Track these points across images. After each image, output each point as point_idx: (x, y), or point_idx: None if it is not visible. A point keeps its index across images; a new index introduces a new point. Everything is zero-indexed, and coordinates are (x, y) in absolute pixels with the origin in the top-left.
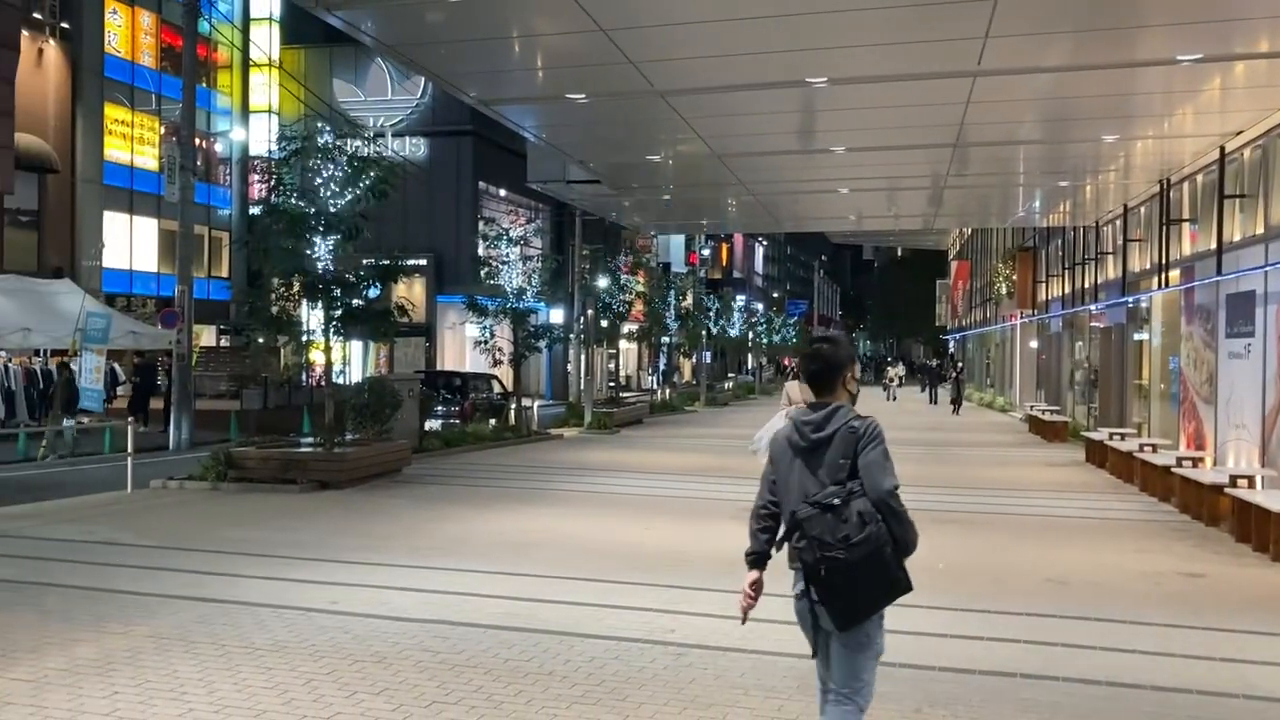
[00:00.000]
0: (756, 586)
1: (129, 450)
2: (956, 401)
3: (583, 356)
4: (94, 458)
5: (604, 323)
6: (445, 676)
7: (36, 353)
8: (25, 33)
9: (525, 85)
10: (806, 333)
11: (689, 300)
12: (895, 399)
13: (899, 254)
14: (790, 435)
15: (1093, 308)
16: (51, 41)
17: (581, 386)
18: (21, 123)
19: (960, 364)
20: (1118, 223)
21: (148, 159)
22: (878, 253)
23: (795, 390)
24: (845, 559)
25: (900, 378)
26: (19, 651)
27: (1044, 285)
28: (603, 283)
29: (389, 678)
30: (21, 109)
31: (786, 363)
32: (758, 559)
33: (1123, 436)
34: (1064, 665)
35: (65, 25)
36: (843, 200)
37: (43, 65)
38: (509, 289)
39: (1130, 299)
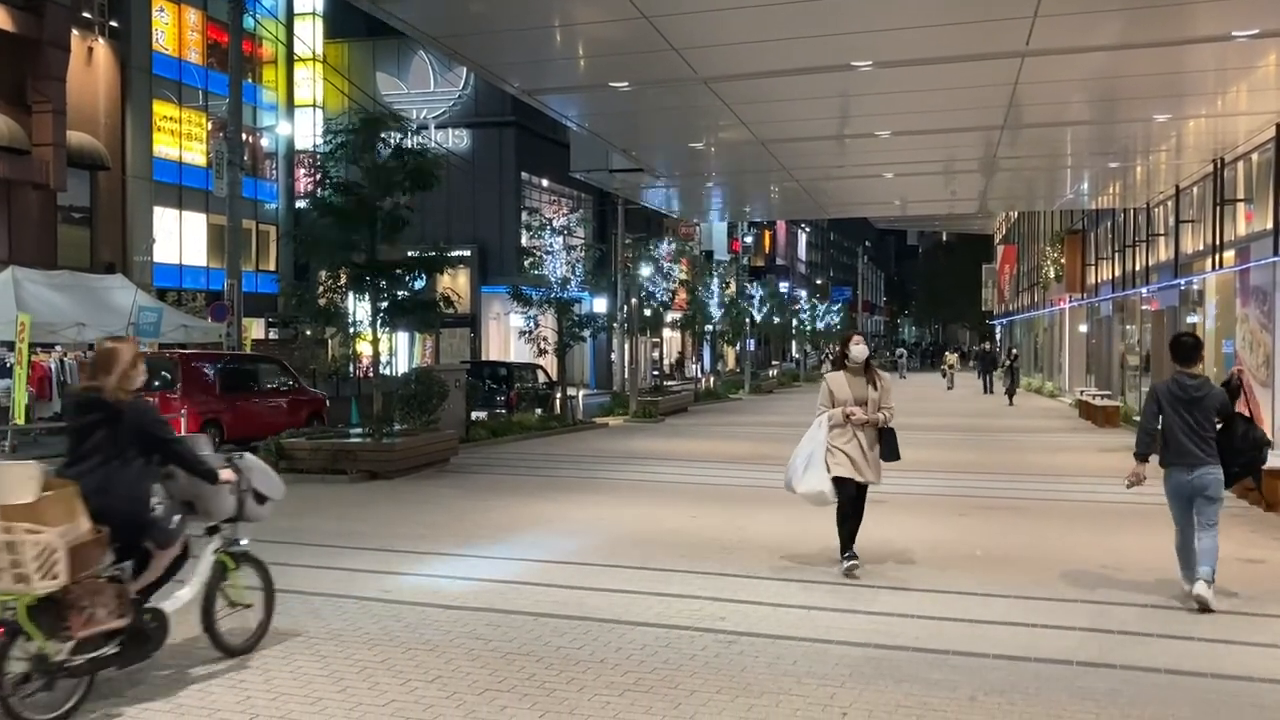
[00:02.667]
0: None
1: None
2: (1011, 391)
3: (626, 345)
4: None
5: (647, 312)
6: (498, 664)
7: (91, 347)
8: (75, 32)
9: (568, 74)
10: (851, 319)
11: (732, 288)
12: (953, 386)
13: (944, 239)
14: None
15: (1144, 291)
16: (101, 40)
17: (626, 375)
18: (73, 121)
19: (1016, 351)
20: (1169, 204)
21: (196, 155)
22: (922, 238)
23: (841, 384)
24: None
25: (957, 364)
26: None
27: (1093, 269)
28: (645, 271)
29: (442, 665)
30: (73, 107)
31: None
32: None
33: None
34: (1121, 653)
35: (114, 24)
36: (887, 185)
37: (93, 64)
38: (553, 279)
39: (1183, 281)
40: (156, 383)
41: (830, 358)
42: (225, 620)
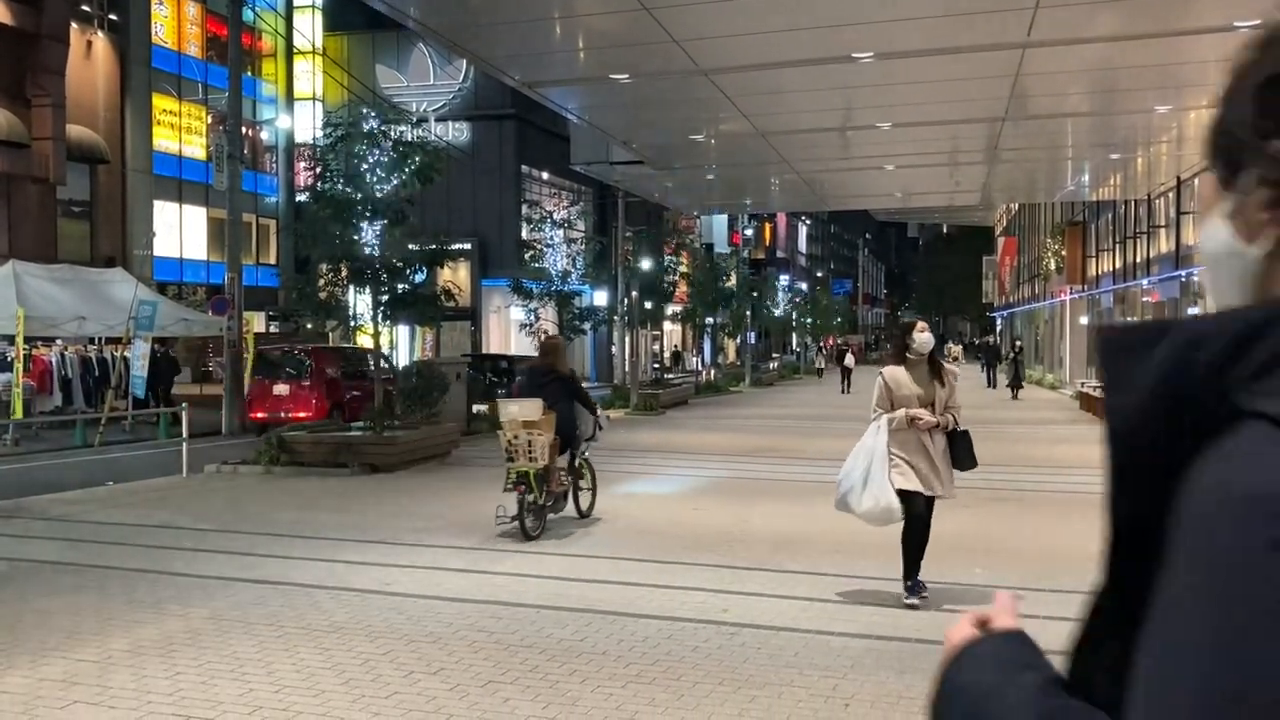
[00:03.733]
0: None
1: (184, 435)
2: (1015, 385)
3: (627, 338)
4: (149, 443)
5: (648, 304)
6: (500, 656)
7: (91, 340)
8: (74, 26)
9: (568, 67)
10: (851, 312)
11: (732, 281)
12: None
13: (944, 231)
14: None
15: (1145, 282)
16: (100, 34)
17: (626, 368)
18: (72, 114)
19: (1019, 343)
20: (1171, 195)
21: (195, 148)
22: (923, 230)
23: (903, 381)
24: None
25: (961, 356)
26: (84, 633)
27: (1094, 260)
28: (646, 264)
29: (444, 658)
30: (72, 101)
31: (835, 342)
32: None
33: None
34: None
35: (113, 17)
36: (888, 177)
37: (92, 57)
38: (553, 272)
39: (1184, 273)
40: (291, 373)
41: (828, 351)
42: (581, 496)
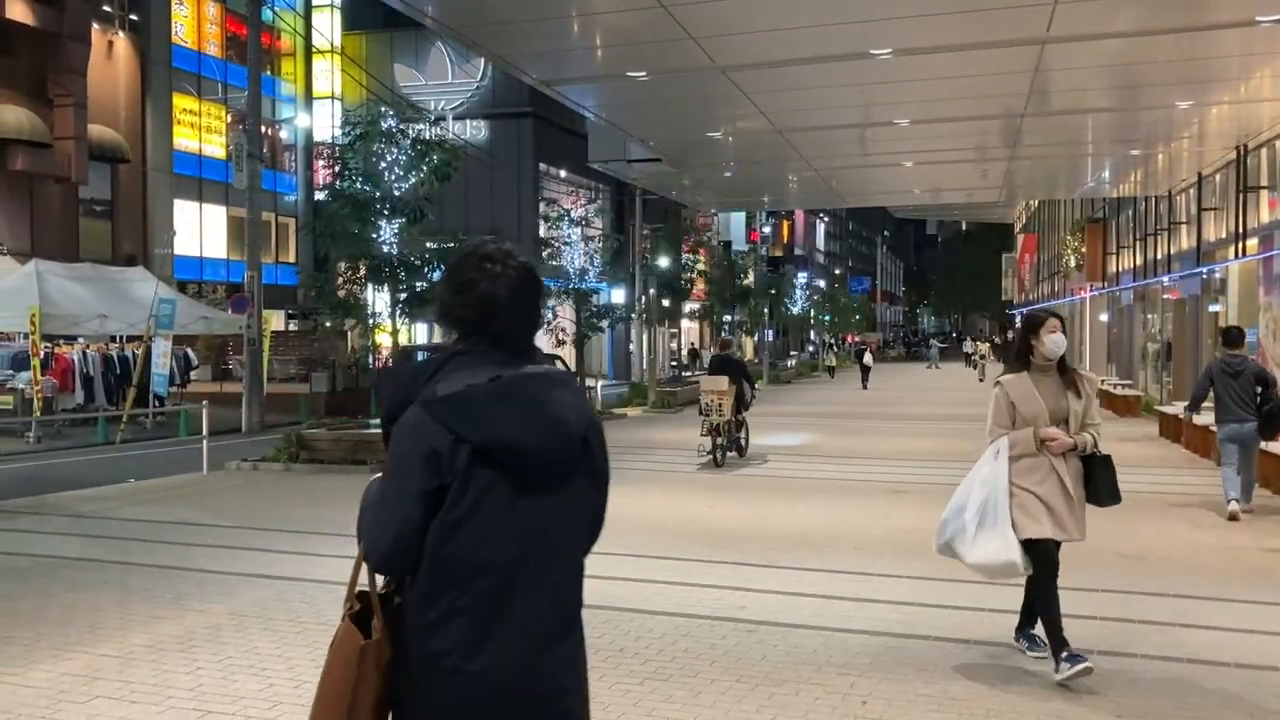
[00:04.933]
0: (1191, 419)
1: (204, 433)
2: None
3: (645, 336)
4: (170, 440)
5: (665, 302)
6: None
7: (113, 338)
8: (95, 26)
9: (586, 64)
10: (870, 309)
11: (750, 278)
12: (985, 378)
13: (963, 228)
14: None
15: (1165, 279)
16: (121, 34)
17: (644, 366)
18: (93, 114)
19: None
20: (1192, 191)
21: (215, 147)
22: (941, 227)
23: (1028, 393)
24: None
25: (989, 354)
26: (106, 628)
27: (1114, 257)
28: (664, 262)
29: None
30: (93, 100)
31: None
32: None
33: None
34: (1140, 642)
35: (134, 17)
36: (906, 174)
37: (113, 57)
38: (571, 270)
39: (1205, 269)
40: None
41: (842, 349)
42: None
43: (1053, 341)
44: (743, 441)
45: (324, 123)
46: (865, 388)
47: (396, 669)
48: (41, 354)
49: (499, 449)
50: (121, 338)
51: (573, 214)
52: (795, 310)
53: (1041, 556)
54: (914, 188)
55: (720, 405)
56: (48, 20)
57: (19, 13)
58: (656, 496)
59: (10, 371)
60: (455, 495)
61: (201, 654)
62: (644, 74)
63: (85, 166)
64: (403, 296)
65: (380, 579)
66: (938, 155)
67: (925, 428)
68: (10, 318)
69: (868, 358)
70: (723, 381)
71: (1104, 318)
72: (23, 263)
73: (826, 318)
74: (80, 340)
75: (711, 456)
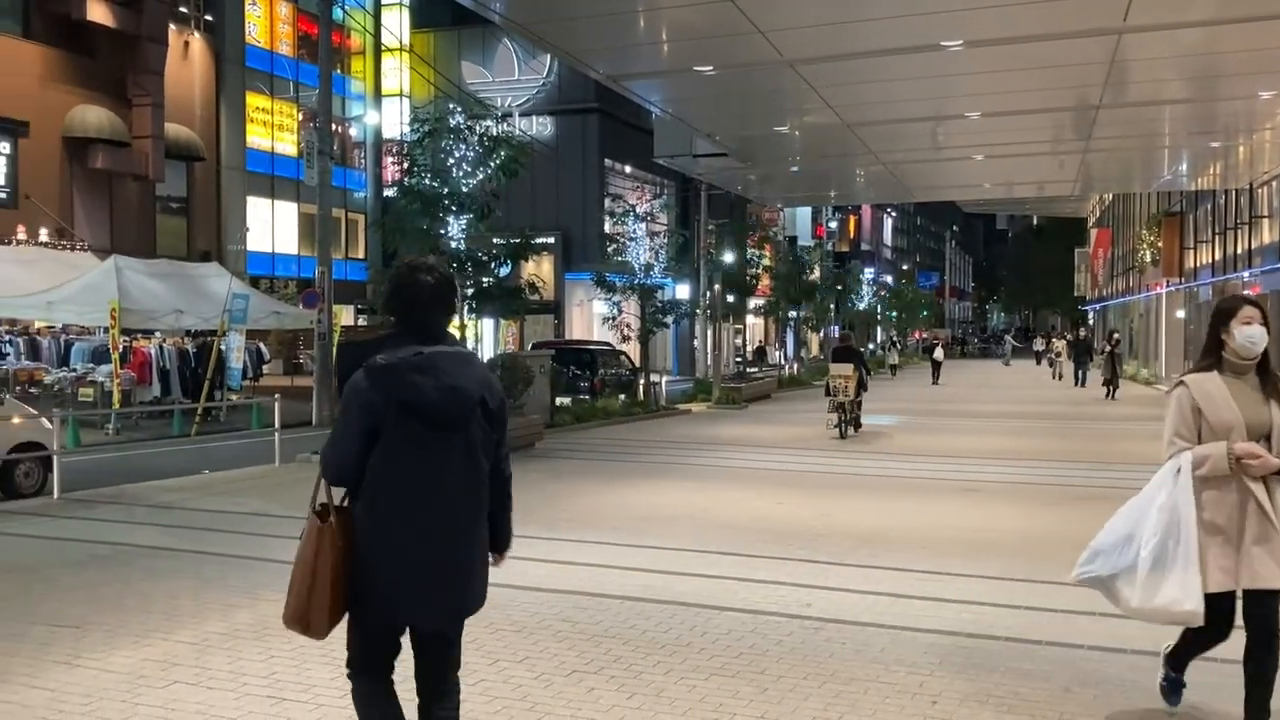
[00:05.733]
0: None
1: (276, 425)
2: (1111, 383)
3: (709, 331)
4: (243, 433)
5: (730, 297)
6: (584, 646)
7: (188, 333)
8: (172, 27)
9: (653, 59)
10: (938, 305)
11: (816, 274)
12: (1061, 376)
13: (1034, 222)
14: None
15: (1246, 275)
16: (196, 34)
17: (708, 362)
18: (170, 113)
19: (1116, 335)
20: (1275, 184)
21: (287, 145)
22: (1012, 221)
23: (1220, 399)
24: None
25: (1065, 352)
26: (183, 615)
27: (1191, 252)
28: (728, 257)
29: (530, 646)
30: (170, 100)
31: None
32: None
33: None
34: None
35: (209, 18)
36: (977, 168)
37: (188, 57)
38: (636, 265)
39: None
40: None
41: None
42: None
43: (1245, 335)
44: (860, 419)
45: (393, 120)
46: (936, 382)
47: (349, 549)
48: (120, 348)
49: (415, 404)
50: (195, 332)
51: (637, 209)
52: (861, 306)
53: (1221, 611)
54: (985, 182)
55: (845, 387)
56: (127, 22)
57: (100, 15)
58: (721, 493)
59: (91, 365)
60: (385, 434)
61: (275, 642)
62: (711, 68)
63: (162, 165)
64: (469, 292)
65: (337, 491)
66: (1010, 149)
67: (997, 425)
68: (91, 312)
69: (939, 352)
70: (848, 368)
71: (1181, 314)
72: (102, 258)
73: (893, 314)
74: (157, 334)
75: (838, 430)
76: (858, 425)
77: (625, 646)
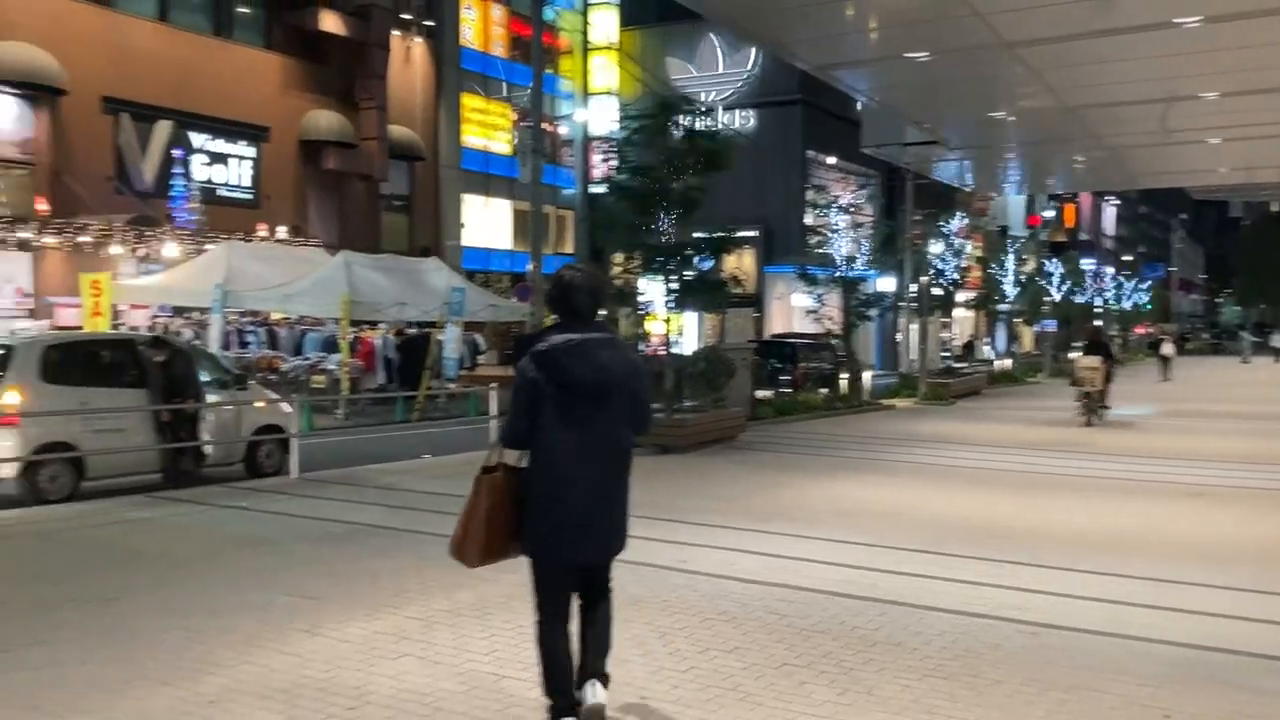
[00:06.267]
0: None
1: (491, 413)
2: None
3: (915, 325)
4: (460, 420)
5: (937, 290)
6: (794, 640)
7: (409, 324)
8: (396, 33)
9: (861, 47)
10: (1164, 298)
11: (1029, 265)
12: None
13: (1272, 209)
14: None
15: None
16: (418, 39)
17: (914, 356)
18: (393, 115)
19: None
20: None
21: (500, 144)
22: (1248, 209)
23: None
24: None
25: None
26: (410, 592)
27: None
28: (936, 249)
29: (739, 637)
30: (392, 103)
31: (1148, 330)
32: None
33: None
34: None
35: (429, 23)
36: (1212, 151)
37: (410, 61)
38: (838, 257)
39: None
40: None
41: (1145, 340)
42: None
43: None
44: (1108, 405)
45: (601, 117)
46: (1166, 379)
47: (522, 502)
48: (349, 338)
49: (569, 381)
50: (418, 323)
51: (841, 201)
52: (1080, 300)
53: None
54: (1221, 166)
55: (1093, 378)
56: (355, 30)
57: (331, 25)
58: (926, 490)
59: (322, 354)
60: (546, 407)
61: (496, 621)
62: (924, 54)
63: (386, 165)
64: (674, 285)
65: (514, 453)
66: (1251, 130)
67: (1230, 426)
68: (324, 305)
69: (1167, 348)
70: (1096, 360)
71: None
72: (332, 254)
73: (1115, 308)
74: (381, 325)
75: (1086, 418)
76: (1106, 410)
77: (835, 642)
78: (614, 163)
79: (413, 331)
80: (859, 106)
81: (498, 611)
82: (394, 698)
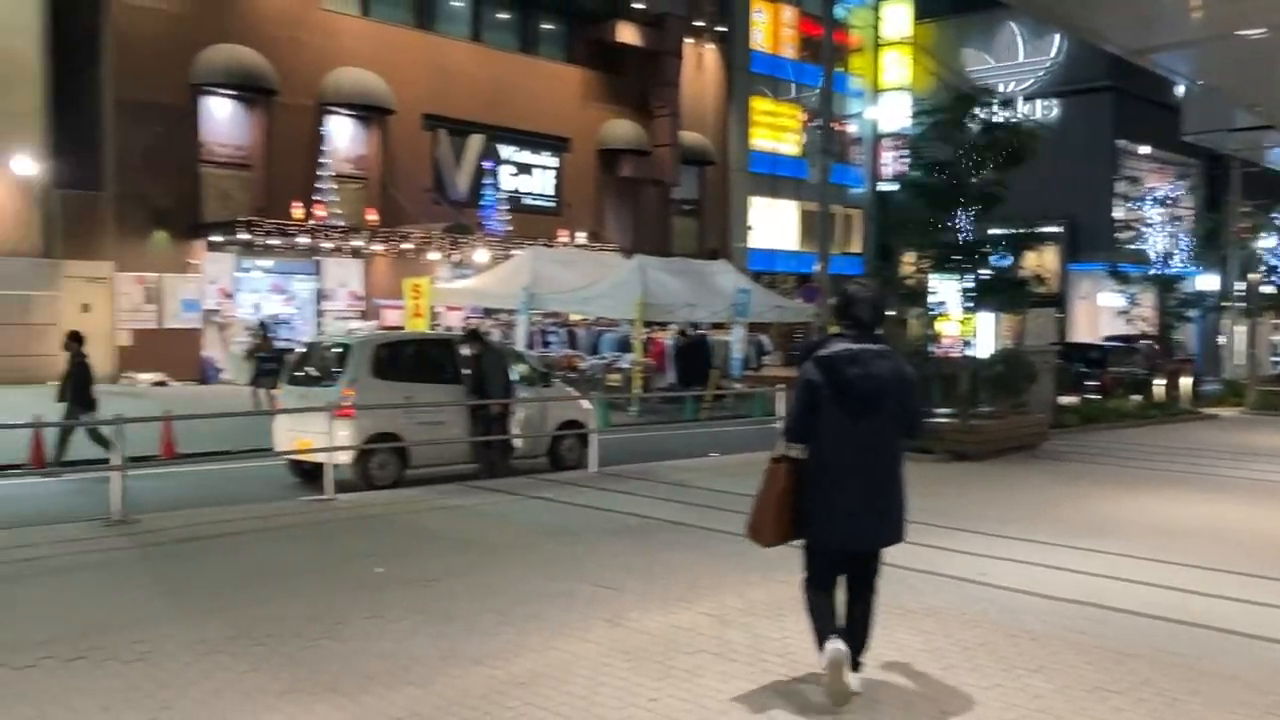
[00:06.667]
0: None
1: (777, 415)
2: None
3: (1242, 327)
4: (746, 420)
5: (1268, 288)
6: (1105, 663)
7: (695, 325)
8: (688, 40)
9: (1184, 27)
10: None
11: None
12: None
13: None
14: None
15: None
16: (709, 45)
17: (1239, 361)
18: (684, 121)
19: None
20: None
21: (788, 145)
22: None
23: None
24: None
25: None
26: (702, 588)
27: None
28: (1268, 243)
29: (1045, 656)
30: (684, 109)
31: None
32: None
33: None
34: None
35: (721, 29)
36: None
37: (702, 67)
38: (1153, 254)
39: None
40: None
41: None
42: None
43: None
44: None
45: (894, 114)
46: None
47: (801, 488)
48: (642, 339)
49: (844, 386)
50: (699, 325)
51: (1156, 193)
52: None
53: None
54: None
55: None
56: (650, 40)
57: (628, 36)
58: (1252, 509)
59: (617, 353)
60: (824, 407)
61: (789, 621)
62: (1260, 31)
63: (678, 170)
64: (970, 285)
65: (796, 446)
66: None
67: None
68: (619, 306)
69: None
70: None
71: None
72: (627, 258)
73: None
74: (671, 326)
75: None
76: None
77: (1153, 668)
78: (907, 159)
79: (698, 333)
80: (1178, 91)
81: (792, 613)
82: (691, 692)
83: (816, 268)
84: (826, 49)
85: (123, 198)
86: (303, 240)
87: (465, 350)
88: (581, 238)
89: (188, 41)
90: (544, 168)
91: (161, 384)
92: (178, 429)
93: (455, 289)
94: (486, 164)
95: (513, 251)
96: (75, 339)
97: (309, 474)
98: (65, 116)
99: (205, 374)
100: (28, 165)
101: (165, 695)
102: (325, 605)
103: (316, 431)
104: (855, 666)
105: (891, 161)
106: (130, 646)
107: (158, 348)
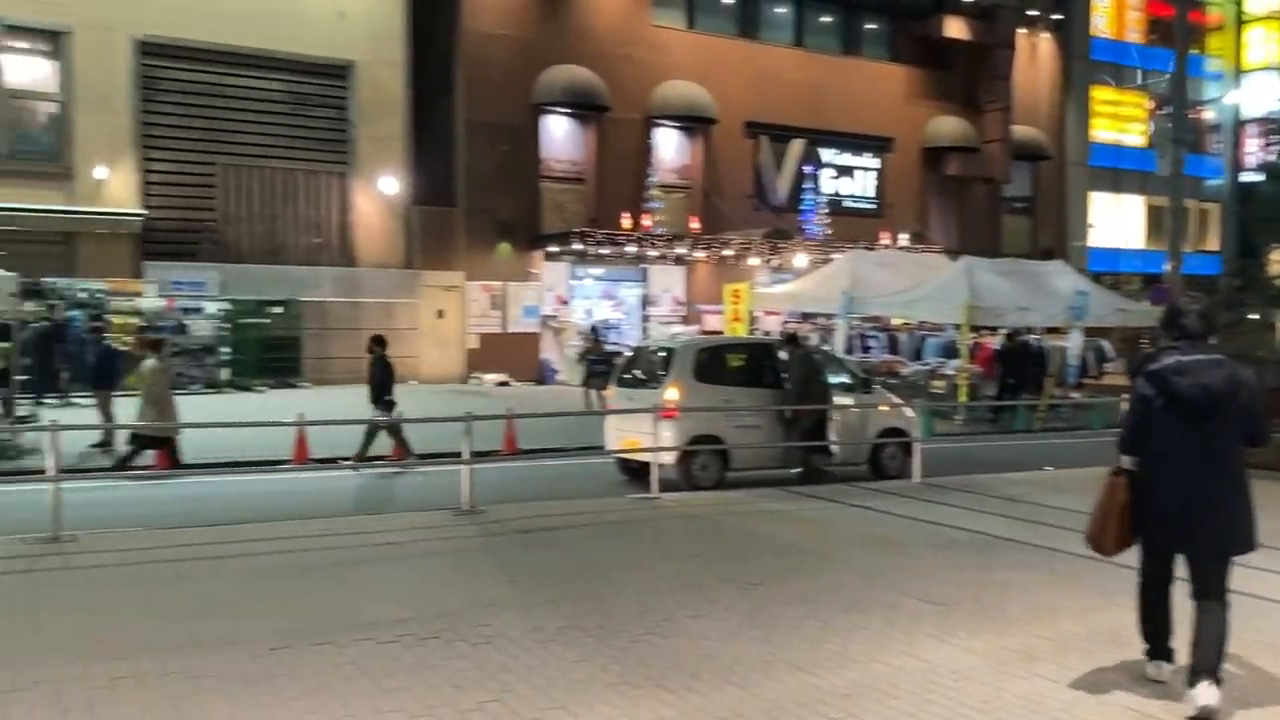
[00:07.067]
0: None
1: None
2: None
3: None
4: (1084, 431)
5: None
6: None
7: (1030, 330)
8: (1020, 31)
9: None
10: None
11: None
12: None
13: None
14: None
15: None
16: (1044, 34)
17: None
18: (1016, 115)
19: None
20: None
21: (1133, 136)
22: None
23: None
24: None
25: None
26: (1039, 610)
27: None
28: None
29: None
30: (1016, 102)
31: None
32: None
33: None
34: None
35: (1056, 17)
36: None
37: (1035, 58)
38: None
39: None
40: None
41: None
42: None
43: None
44: None
45: (1259, 96)
46: None
47: (1135, 495)
48: (969, 343)
49: (1175, 398)
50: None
51: None
52: None
53: None
54: None
55: None
56: (979, 33)
57: (955, 30)
58: None
59: (942, 359)
60: (1156, 419)
61: (1131, 652)
62: None
63: (1009, 166)
64: None
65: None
66: None
67: None
68: (944, 310)
69: None
70: None
71: None
72: (952, 259)
73: None
74: (1001, 331)
75: None
76: None
77: None
78: (1277, 146)
79: (1021, 338)
80: None
81: (1135, 643)
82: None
83: (1167, 267)
84: (1180, 28)
85: (472, 212)
86: (630, 249)
87: (783, 355)
88: (904, 239)
89: (530, 64)
90: (865, 169)
91: (504, 384)
92: (518, 426)
93: (774, 293)
94: (807, 168)
95: (832, 255)
96: (378, 342)
97: (635, 472)
98: (423, 138)
99: (543, 375)
100: (393, 185)
101: (507, 679)
102: (651, 601)
103: (643, 432)
104: (1218, 683)
105: (1257, 150)
106: (476, 630)
107: (502, 350)
